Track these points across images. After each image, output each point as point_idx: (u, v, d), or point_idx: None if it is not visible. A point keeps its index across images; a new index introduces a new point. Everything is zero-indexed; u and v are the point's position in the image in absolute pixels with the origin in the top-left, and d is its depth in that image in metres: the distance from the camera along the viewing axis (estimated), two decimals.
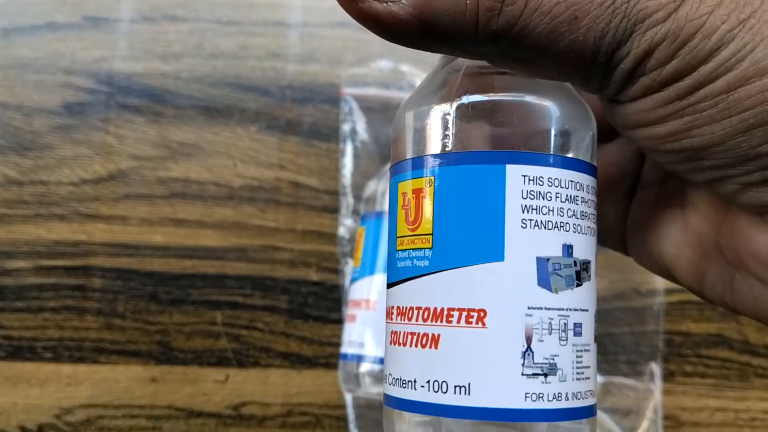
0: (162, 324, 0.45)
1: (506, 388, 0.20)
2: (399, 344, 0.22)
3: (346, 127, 0.47)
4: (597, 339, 0.22)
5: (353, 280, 0.41)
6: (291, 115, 0.47)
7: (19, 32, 0.47)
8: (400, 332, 0.22)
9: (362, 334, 0.39)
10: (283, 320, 0.45)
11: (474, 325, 0.20)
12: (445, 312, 0.21)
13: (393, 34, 0.18)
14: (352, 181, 0.47)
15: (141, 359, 0.44)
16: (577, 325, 0.21)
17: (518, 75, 0.21)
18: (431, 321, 0.21)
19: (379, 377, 0.39)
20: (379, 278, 0.39)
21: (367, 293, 0.39)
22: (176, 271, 0.45)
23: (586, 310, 0.21)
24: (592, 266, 0.21)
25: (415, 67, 0.47)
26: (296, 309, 0.45)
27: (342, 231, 0.46)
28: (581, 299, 0.21)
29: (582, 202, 0.21)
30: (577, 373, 0.20)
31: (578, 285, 0.21)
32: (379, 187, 0.42)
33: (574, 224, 0.21)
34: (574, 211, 0.21)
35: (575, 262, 0.21)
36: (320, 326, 0.45)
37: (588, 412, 0.21)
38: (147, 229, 0.46)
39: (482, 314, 0.20)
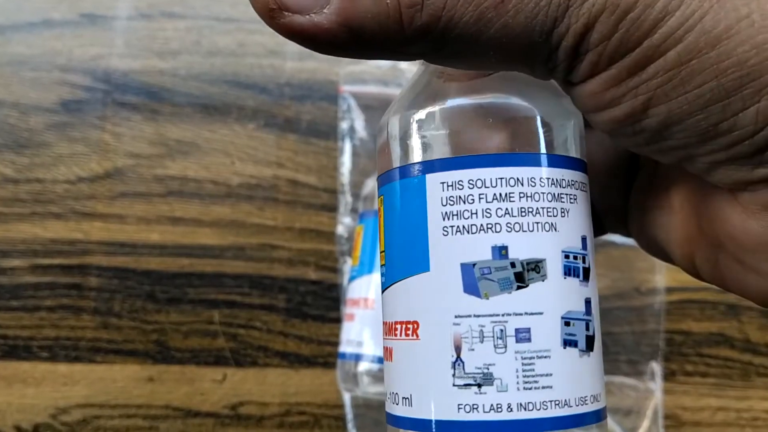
0: (159, 323, 0.44)
1: (440, 400, 0.20)
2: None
3: (344, 125, 0.47)
4: (589, 343, 0.20)
5: (351, 278, 0.41)
6: (289, 113, 0.47)
7: (15, 29, 0.47)
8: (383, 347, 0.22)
9: (360, 333, 0.39)
10: (281, 319, 0.45)
11: (410, 337, 0.20)
12: (393, 325, 0.21)
13: (322, 45, 0.18)
14: (351, 179, 0.46)
15: (138, 359, 0.44)
16: (522, 331, 0.19)
17: (487, 74, 0.21)
18: (386, 334, 0.22)
19: (377, 376, 0.39)
20: (378, 277, 0.39)
21: (366, 292, 0.39)
22: (173, 269, 0.45)
23: (540, 313, 0.19)
24: (547, 264, 0.20)
25: (414, 64, 0.47)
26: (294, 308, 0.45)
27: (340, 229, 0.46)
28: (527, 302, 0.19)
29: (522, 197, 0.20)
30: (526, 383, 0.19)
31: (521, 287, 0.19)
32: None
33: (508, 223, 0.20)
34: (507, 209, 0.20)
35: (513, 263, 0.19)
36: (318, 325, 0.45)
37: (559, 423, 0.19)
38: (144, 228, 0.45)
39: (416, 326, 0.20)
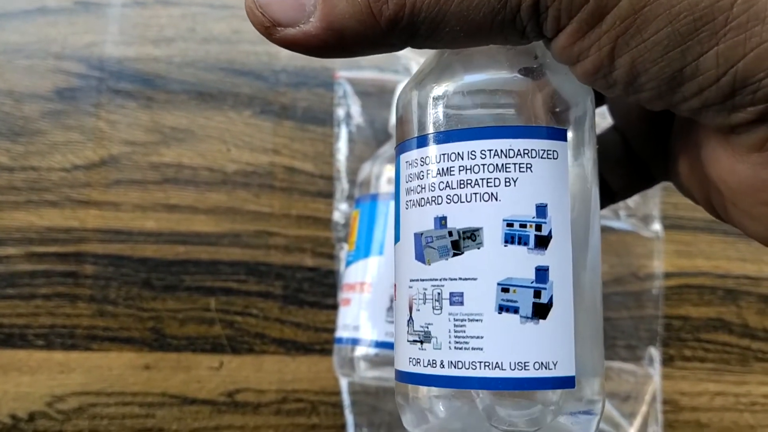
0: (155, 310, 0.45)
1: (401, 353, 0.22)
2: None
3: (340, 111, 0.47)
4: (538, 310, 0.20)
5: (348, 263, 0.41)
6: (285, 100, 0.47)
7: (9, 17, 0.47)
8: None
9: (357, 318, 0.39)
10: (277, 306, 0.45)
11: (395, 297, 0.23)
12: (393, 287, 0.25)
13: (315, 50, 0.20)
14: (347, 165, 0.47)
15: (134, 346, 0.44)
16: (456, 294, 0.21)
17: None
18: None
19: (374, 361, 0.39)
20: (374, 261, 0.39)
21: (362, 276, 0.39)
22: (169, 257, 0.45)
23: (474, 279, 0.20)
24: (484, 233, 0.20)
25: (410, 50, 0.47)
26: (291, 295, 0.45)
27: (337, 216, 0.46)
28: (461, 268, 0.21)
29: (462, 170, 0.21)
30: (457, 342, 0.20)
31: (457, 254, 0.21)
32: (373, 170, 0.42)
33: (448, 195, 0.21)
34: (448, 182, 0.21)
35: (450, 232, 0.21)
36: (315, 312, 0.45)
37: (488, 384, 0.20)
38: (139, 215, 0.45)
39: (394, 288, 0.23)
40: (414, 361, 0.22)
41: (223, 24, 0.48)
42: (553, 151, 0.21)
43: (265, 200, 0.46)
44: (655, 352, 0.46)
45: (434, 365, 0.21)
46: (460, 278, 0.21)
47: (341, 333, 0.40)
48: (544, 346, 0.20)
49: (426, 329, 0.21)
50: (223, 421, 0.44)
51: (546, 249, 0.20)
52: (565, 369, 0.21)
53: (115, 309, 0.44)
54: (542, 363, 0.20)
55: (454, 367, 0.21)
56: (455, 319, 0.21)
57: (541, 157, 0.21)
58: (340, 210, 0.46)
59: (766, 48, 0.17)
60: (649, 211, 0.47)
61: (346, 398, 0.44)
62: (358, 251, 0.40)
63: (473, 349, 0.20)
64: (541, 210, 0.21)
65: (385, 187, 0.41)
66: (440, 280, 0.21)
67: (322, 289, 0.45)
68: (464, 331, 0.20)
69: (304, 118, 0.47)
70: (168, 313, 0.45)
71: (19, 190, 0.45)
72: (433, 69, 0.23)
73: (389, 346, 0.38)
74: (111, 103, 0.46)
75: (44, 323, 0.44)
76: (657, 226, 0.47)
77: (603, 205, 0.28)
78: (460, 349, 0.21)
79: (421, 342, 0.21)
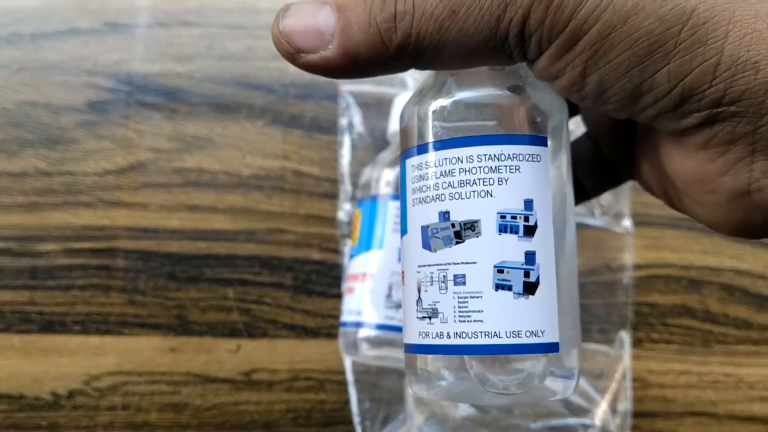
0: (179, 299, 0.48)
1: (411, 328, 0.25)
2: None
3: (343, 121, 0.50)
4: (528, 288, 0.23)
5: (351, 256, 0.44)
6: (294, 111, 0.50)
7: (45, 37, 0.50)
8: None
9: (360, 303, 0.41)
10: (288, 295, 0.48)
11: (403, 283, 0.26)
12: (401, 273, 0.26)
13: (335, 73, 0.22)
14: (350, 169, 0.49)
15: (161, 331, 0.47)
16: (459, 276, 0.23)
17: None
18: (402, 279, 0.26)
19: (376, 342, 0.41)
20: (375, 254, 0.42)
21: (364, 268, 0.42)
22: (191, 252, 0.48)
23: (474, 263, 0.23)
24: (482, 224, 0.23)
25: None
26: (300, 285, 0.48)
27: (341, 215, 0.49)
28: (463, 254, 0.23)
29: (462, 172, 0.23)
30: (461, 316, 0.23)
31: (459, 242, 0.23)
32: (373, 173, 0.45)
33: (450, 193, 0.24)
34: (450, 182, 0.24)
35: (453, 224, 0.23)
36: (322, 301, 0.48)
37: (488, 350, 0.23)
38: (165, 215, 0.48)
39: (403, 273, 0.25)
40: (423, 334, 0.24)
41: (237, 43, 0.51)
42: (537, 155, 0.24)
43: (277, 201, 0.49)
44: (625, 335, 0.48)
45: (441, 336, 0.23)
46: (463, 262, 0.23)
47: (346, 318, 0.42)
48: (534, 317, 0.23)
49: (434, 306, 0.24)
50: (240, 397, 0.47)
51: (533, 237, 0.23)
52: (550, 336, 0.23)
53: (144, 298, 0.48)
54: (532, 331, 0.23)
55: (459, 337, 0.23)
56: (459, 297, 0.23)
57: (527, 160, 0.23)
58: (344, 209, 0.49)
59: (707, 65, 0.19)
60: (620, 209, 0.49)
61: (350, 376, 0.46)
62: (360, 246, 0.43)
63: (475, 321, 0.23)
64: (528, 204, 0.23)
65: (384, 188, 0.44)
66: (445, 264, 0.23)
67: (328, 280, 0.48)
68: (467, 307, 0.23)
69: (311, 127, 0.50)
70: (191, 302, 0.48)
71: (57, 192, 0.49)
72: (432, 87, 0.25)
73: (389, 328, 0.40)
74: (138, 115, 0.50)
75: (81, 311, 0.47)
76: (627, 223, 0.50)
77: (577, 202, 0.30)
78: (464, 321, 0.23)
79: (429, 318, 0.24)
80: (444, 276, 0.23)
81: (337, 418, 0.47)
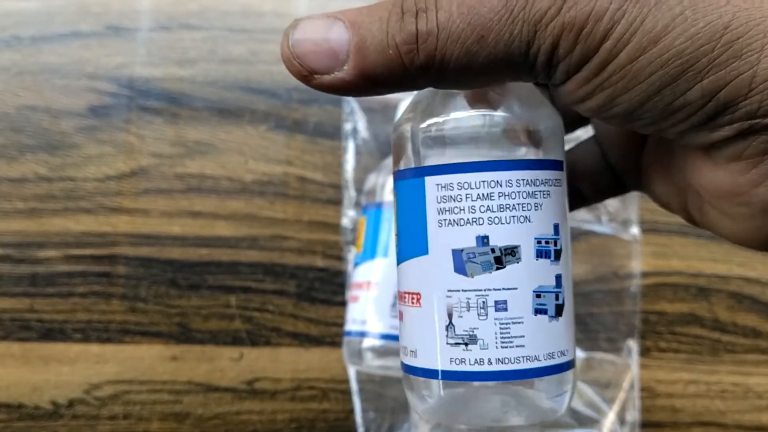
0: (181, 307, 0.48)
1: (437, 354, 0.24)
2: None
3: (348, 126, 0.50)
4: (558, 310, 0.24)
5: (356, 264, 0.44)
6: (297, 115, 0.50)
7: (46, 40, 0.50)
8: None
9: (364, 313, 0.41)
10: (291, 303, 0.48)
11: (415, 304, 0.25)
12: (403, 294, 0.26)
13: (350, 92, 0.22)
14: (354, 175, 0.49)
15: (162, 339, 0.47)
16: (500, 302, 0.23)
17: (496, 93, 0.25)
18: (399, 301, 0.26)
19: (380, 352, 0.41)
20: (379, 262, 0.42)
21: (369, 276, 0.42)
22: (193, 258, 0.48)
23: (515, 288, 0.23)
24: (521, 249, 0.23)
25: None
26: (304, 293, 0.48)
27: (345, 221, 0.49)
28: (504, 280, 0.23)
29: (501, 196, 0.23)
30: (503, 342, 0.23)
31: (499, 268, 0.23)
32: (378, 180, 0.45)
33: (489, 217, 0.23)
34: (488, 206, 0.23)
35: (492, 249, 0.23)
36: (326, 308, 0.48)
37: (529, 374, 0.23)
38: (166, 221, 0.48)
39: (418, 296, 0.25)
40: (458, 360, 0.24)
41: (241, 46, 0.51)
42: (559, 179, 0.24)
43: (280, 207, 0.49)
44: (633, 344, 0.48)
45: (482, 363, 0.23)
46: (504, 288, 0.23)
47: (350, 326, 0.42)
48: (561, 338, 0.24)
49: (471, 333, 0.23)
50: (243, 406, 0.47)
51: (560, 260, 0.24)
52: (571, 354, 0.25)
53: (145, 306, 0.48)
54: (561, 351, 0.24)
55: (501, 363, 0.23)
56: (500, 323, 0.23)
57: (554, 185, 0.24)
58: (348, 216, 0.49)
59: (742, 78, 0.20)
60: (628, 216, 0.49)
61: (354, 385, 0.46)
62: (365, 253, 0.43)
63: (517, 346, 0.23)
64: (556, 228, 0.24)
65: (389, 196, 0.43)
66: (484, 291, 0.23)
67: (332, 288, 0.48)
68: (509, 333, 0.23)
69: (314, 132, 0.50)
70: (193, 310, 0.48)
71: (57, 198, 0.48)
72: (434, 102, 0.25)
73: (394, 338, 0.40)
74: (140, 119, 0.50)
75: (81, 318, 0.47)
76: (635, 230, 0.50)
77: (575, 207, 0.31)
78: (506, 347, 0.23)
79: (466, 344, 0.24)
80: (483, 302, 0.24)
81: (341, 427, 0.47)
